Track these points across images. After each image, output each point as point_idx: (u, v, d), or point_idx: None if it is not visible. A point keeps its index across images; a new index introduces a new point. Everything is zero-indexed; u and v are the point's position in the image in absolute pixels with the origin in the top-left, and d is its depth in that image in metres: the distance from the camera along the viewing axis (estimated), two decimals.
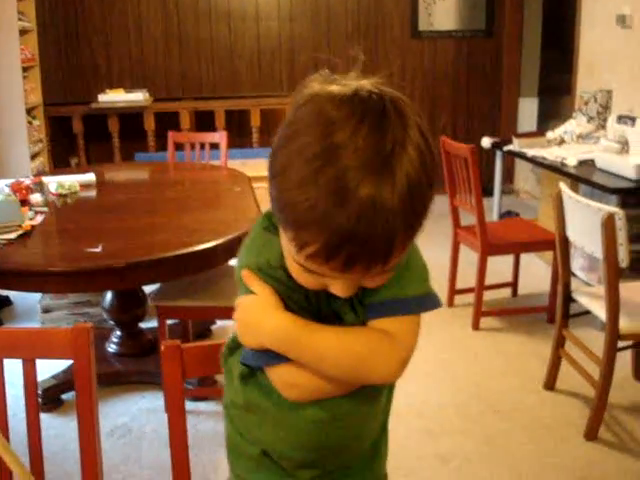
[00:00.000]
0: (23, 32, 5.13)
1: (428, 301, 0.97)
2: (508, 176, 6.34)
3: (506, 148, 4.53)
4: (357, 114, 0.78)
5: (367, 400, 1.01)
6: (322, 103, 0.81)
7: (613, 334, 2.58)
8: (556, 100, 6.56)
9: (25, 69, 5.11)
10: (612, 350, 2.61)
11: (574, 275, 3.83)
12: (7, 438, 1.34)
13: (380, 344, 0.92)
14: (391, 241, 0.78)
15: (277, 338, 0.92)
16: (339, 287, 0.87)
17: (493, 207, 4.94)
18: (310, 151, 0.77)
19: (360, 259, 0.79)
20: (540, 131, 4.99)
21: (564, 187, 2.83)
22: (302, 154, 0.77)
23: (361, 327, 0.94)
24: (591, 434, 2.70)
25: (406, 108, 0.84)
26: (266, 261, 0.94)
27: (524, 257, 4.08)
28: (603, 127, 4.51)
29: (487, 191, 4.56)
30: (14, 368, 1.38)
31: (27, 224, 2.68)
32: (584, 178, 3.73)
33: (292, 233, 0.80)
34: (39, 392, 2.97)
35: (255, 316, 0.94)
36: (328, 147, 0.76)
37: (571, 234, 2.83)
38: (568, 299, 2.91)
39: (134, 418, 2.89)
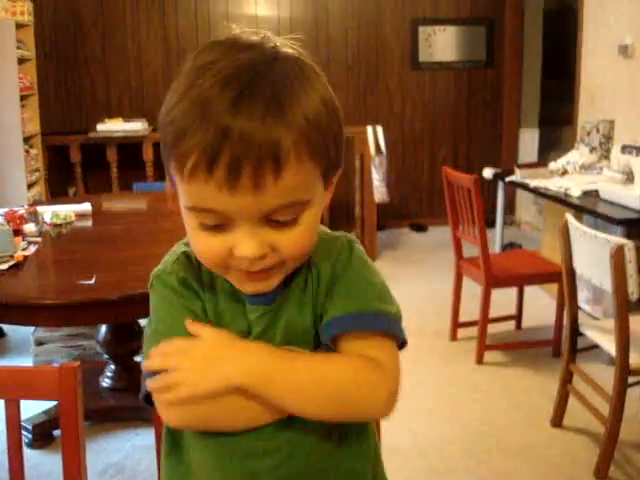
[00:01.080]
0: (22, 60, 5.11)
1: (398, 325, 0.91)
2: (509, 207, 6.29)
3: (508, 179, 4.48)
4: (236, 47, 0.80)
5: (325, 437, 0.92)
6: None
7: (623, 369, 2.50)
8: (557, 130, 6.55)
9: (23, 97, 5.08)
10: (622, 386, 2.52)
11: (579, 308, 3.76)
12: None
13: (368, 372, 0.86)
14: (276, 142, 0.74)
15: (254, 372, 0.83)
16: (245, 243, 0.80)
17: (495, 238, 4.88)
18: (185, 75, 0.80)
19: (245, 161, 0.73)
20: (542, 162, 4.95)
21: (570, 218, 2.77)
22: (179, 81, 0.81)
23: (341, 354, 0.88)
24: (601, 472, 2.60)
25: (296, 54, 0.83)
26: (162, 269, 0.93)
27: (528, 289, 4.01)
28: (606, 157, 4.46)
29: (488, 222, 4.50)
30: None
31: (19, 254, 2.60)
32: (588, 209, 3.67)
33: (174, 152, 0.77)
34: (29, 427, 2.89)
35: (218, 352, 0.85)
36: (203, 65, 0.78)
37: (578, 265, 2.76)
38: (575, 333, 2.83)
39: (127, 456, 2.79)
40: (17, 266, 2.52)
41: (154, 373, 0.85)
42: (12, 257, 2.53)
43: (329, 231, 0.97)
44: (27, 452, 2.75)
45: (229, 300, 0.91)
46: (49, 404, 2.90)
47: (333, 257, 0.92)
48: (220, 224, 0.80)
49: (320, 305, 0.91)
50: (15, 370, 1.27)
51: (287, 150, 0.75)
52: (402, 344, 0.92)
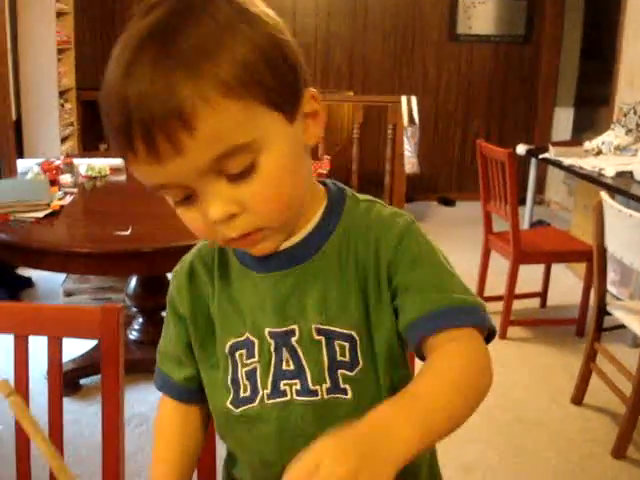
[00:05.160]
0: (60, 14, 5.12)
1: (486, 314, 0.82)
2: (539, 186, 6.24)
3: (541, 156, 4.44)
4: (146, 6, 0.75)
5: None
6: None
7: None
8: (592, 111, 6.45)
9: (60, 51, 5.10)
10: None
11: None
12: None
13: (474, 358, 0.77)
14: (172, 97, 0.68)
15: (410, 440, 0.64)
16: (209, 206, 0.74)
17: (524, 216, 4.85)
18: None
19: (153, 128, 0.68)
20: (577, 141, 4.90)
21: (605, 196, 2.75)
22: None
23: (441, 354, 0.77)
24: (619, 452, 2.61)
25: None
26: (181, 264, 0.95)
27: (554, 268, 3.99)
28: None
29: (518, 200, 4.47)
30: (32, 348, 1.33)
31: (56, 204, 2.64)
32: (622, 189, 3.63)
33: (108, 133, 0.74)
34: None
35: (377, 444, 0.62)
36: (120, 36, 0.74)
37: (609, 244, 2.74)
38: (602, 311, 2.82)
39: (152, 408, 2.84)
40: (53, 215, 2.56)
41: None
42: (48, 206, 2.57)
43: (388, 206, 0.89)
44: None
45: (240, 277, 0.89)
46: (76, 353, 2.96)
47: (391, 239, 0.83)
48: (186, 196, 0.76)
49: (374, 290, 0.84)
50: (59, 308, 1.30)
51: (188, 100, 0.68)
52: (491, 334, 0.84)
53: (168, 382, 0.99)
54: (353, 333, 0.84)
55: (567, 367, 3.28)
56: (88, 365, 2.90)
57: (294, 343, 0.85)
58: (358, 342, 0.84)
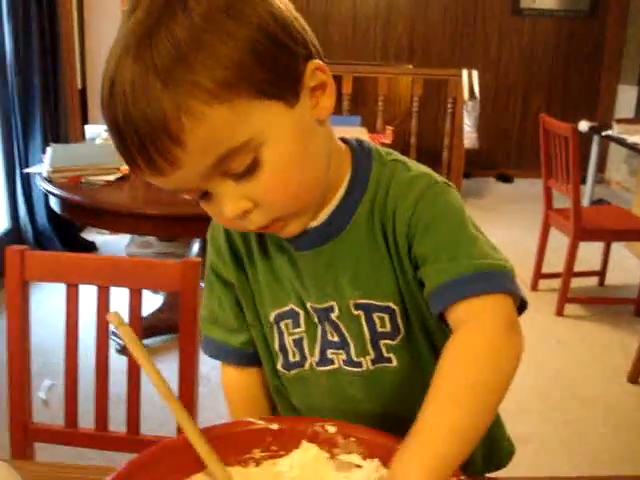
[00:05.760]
0: None
1: (514, 280, 0.77)
2: (600, 165, 6.13)
3: (605, 133, 4.37)
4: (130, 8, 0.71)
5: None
6: None
7: None
8: None
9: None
10: None
11: None
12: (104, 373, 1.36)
13: (490, 350, 0.71)
14: (156, 115, 0.65)
15: (430, 472, 0.63)
16: (223, 206, 0.74)
17: (585, 194, 4.79)
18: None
19: (147, 145, 0.67)
20: None
21: None
22: None
23: (450, 355, 0.72)
24: None
25: None
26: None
27: (613, 248, 3.95)
28: None
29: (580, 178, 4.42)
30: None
31: (125, 168, 2.71)
32: None
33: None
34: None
35: None
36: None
37: None
38: None
39: (214, 368, 2.89)
40: (123, 179, 2.63)
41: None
42: (118, 169, 2.64)
43: (413, 165, 0.86)
44: (116, 357, 2.91)
45: (278, 253, 0.88)
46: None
47: (405, 210, 0.80)
48: (202, 193, 0.75)
49: (397, 262, 0.83)
50: (139, 262, 1.36)
51: (172, 114, 0.65)
52: (522, 305, 0.78)
53: (224, 349, 0.97)
54: (390, 304, 0.85)
55: (624, 346, 3.25)
56: (150, 326, 2.98)
57: (334, 319, 0.87)
58: (397, 311, 0.85)
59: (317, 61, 0.75)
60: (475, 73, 5.31)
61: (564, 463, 2.44)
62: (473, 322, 0.73)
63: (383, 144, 3.72)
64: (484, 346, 0.71)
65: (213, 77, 0.66)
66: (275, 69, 0.70)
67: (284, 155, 0.73)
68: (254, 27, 0.68)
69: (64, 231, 4.02)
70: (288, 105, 0.72)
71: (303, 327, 0.90)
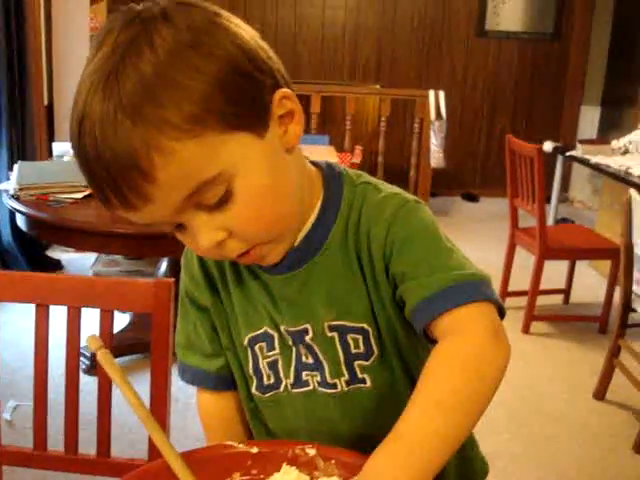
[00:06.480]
0: (93, 1, 5.17)
1: (491, 287, 0.78)
2: (563, 184, 6.24)
3: (568, 153, 4.45)
4: (95, 43, 0.71)
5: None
6: None
7: None
8: (618, 110, 6.43)
9: (93, 38, 5.14)
10: None
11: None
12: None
13: (473, 358, 0.72)
14: (126, 151, 0.66)
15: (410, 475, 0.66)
16: (198, 237, 0.74)
17: (549, 213, 4.86)
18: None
19: (118, 182, 0.67)
20: (604, 139, 4.90)
21: (634, 193, 2.76)
22: None
23: (435, 364, 0.73)
24: None
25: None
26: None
27: (577, 266, 4.01)
28: None
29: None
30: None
31: None
32: None
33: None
34: (87, 354, 3.00)
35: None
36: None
37: (637, 242, 2.76)
38: (628, 308, 2.85)
39: (181, 388, 2.88)
40: (91, 196, 2.61)
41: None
42: (86, 187, 2.62)
43: (382, 186, 0.86)
44: (83, 378, 2.87)
45: (251, 277, 0.88)
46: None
47: (380, 232, 0.81)
48: (177, 225, 0.75)
49: (372, 283, 0.83)
50: (111, 282, 1.34)
51: (142, 151, 0.66)
52: (501, 312, 0.79)
53: (201, 375, 0.96)
54: (364, 325, 0.85)
55: (589, 363, 3.30)
56: (118, 346, 2.95)
57: (309, 341, 0.87)
58: (371, 332, 0.85)
59: (284, 90, 0.75)
60: (442, 94, 5.38)
61: (532, 479, 2.46)
62: (460, 330, 0.74)
63: (353, 164, 3.74)
64: (471, 353, 0.72)
65: (181, 112, 0.66)
66: (243, 101, 0.70)
67: (256, 185, 0.73)
68: (221, 61, 0.69)
69: (30, 249, 3.97)
70: (258, 136, 0.73)
71: (277, 350, 0.90)
